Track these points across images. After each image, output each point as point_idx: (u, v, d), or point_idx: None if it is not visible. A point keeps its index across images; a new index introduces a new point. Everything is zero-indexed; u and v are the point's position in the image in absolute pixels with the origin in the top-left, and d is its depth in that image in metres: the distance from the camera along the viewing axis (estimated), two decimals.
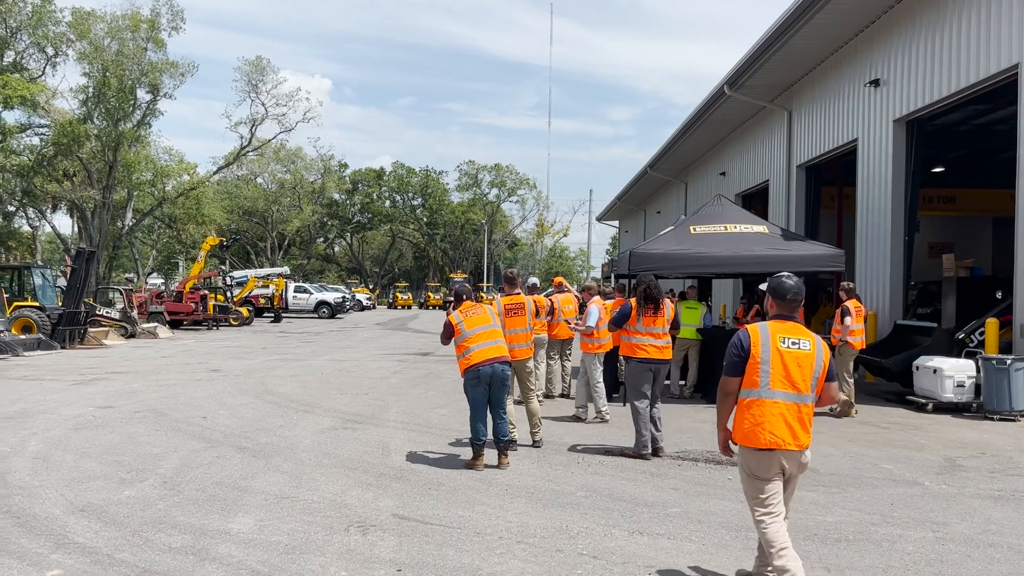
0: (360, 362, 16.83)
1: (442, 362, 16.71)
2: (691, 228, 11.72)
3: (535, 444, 7.86)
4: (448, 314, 7.19)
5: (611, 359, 10.05)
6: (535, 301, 8.92)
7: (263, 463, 7.09)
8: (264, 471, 6.80)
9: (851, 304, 10.28)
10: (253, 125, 46.38)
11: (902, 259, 13.76)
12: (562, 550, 4.87)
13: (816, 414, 10.10)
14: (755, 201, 22.22)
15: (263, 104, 45.88)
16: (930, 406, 10.46)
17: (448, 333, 7.10)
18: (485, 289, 60.11)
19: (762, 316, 15.96)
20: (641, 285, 7.87)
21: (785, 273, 4.25)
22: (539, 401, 8.38)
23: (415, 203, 77.74)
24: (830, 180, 18.88)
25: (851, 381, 10.19)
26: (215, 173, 51.23)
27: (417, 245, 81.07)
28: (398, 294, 62.95)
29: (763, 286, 4.60)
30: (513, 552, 4.83)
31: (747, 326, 4.19)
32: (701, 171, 28.14)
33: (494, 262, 76.58)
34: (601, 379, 9.39)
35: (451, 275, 66.14)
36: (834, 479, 6.78)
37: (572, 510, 5.73)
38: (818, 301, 20.82)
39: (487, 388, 6.92)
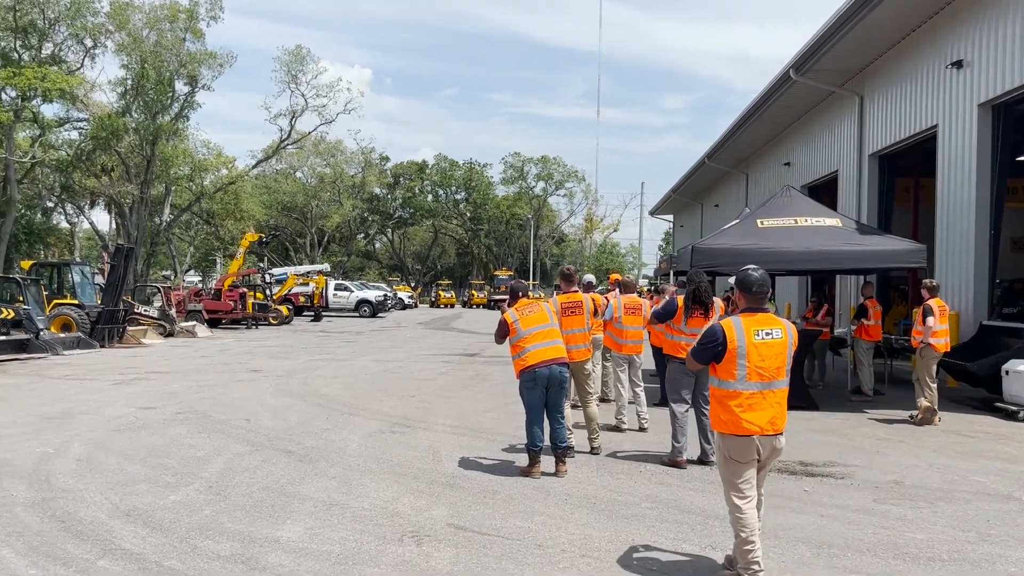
0: (405, 363, 16.42)
1: (490, 363, 16.28)
2: (758, 222, 11.14)
3: (593, 451, 7.49)
4: (503, 312, 6.87)
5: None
6: (593, 299, 8.51)
7: (310, 468, 6.91)
8: (311, 476, 6.61)
9: (934, 303, 9.56)
10: (293, 117, 44.97)
11: (987, 254, 12.85)
12: (629, 565, 4.58)
13: (896, 422, 9.54)
14: (822, 193, 21.29)
15: (303, 95, 44.66)
16: (1021, 414, 9.74)
17: (503, 332, 6.76)
18: (531, 287, 59.62)
19: (832, 316, 15.31)
20: (691, 285, 7.53)
21: (751, 266, 4.44)
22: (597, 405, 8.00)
23: (458, 197, 75.63)
24: (905, 170, 17.98)
25: (934, 386, 9.48)
26: (253, 167, 49.89)
27: (460, 241, 79.12)
28: (441, 292, 61.33)
29: (731, 280, 4.66)
30: (577, 566, 4.55)
31: (722, 321, 4.35)
32: (763, 161, 27.24)
33: (540, 259, 75.34)
34: (624, 383, 8.93)
35: (496, 272, 64.74)
36: (921, 492, 6.29)
37: (637, 522, 5.39)
38: (891, 300, 19.89)
39: (544, 391, 6.59)
